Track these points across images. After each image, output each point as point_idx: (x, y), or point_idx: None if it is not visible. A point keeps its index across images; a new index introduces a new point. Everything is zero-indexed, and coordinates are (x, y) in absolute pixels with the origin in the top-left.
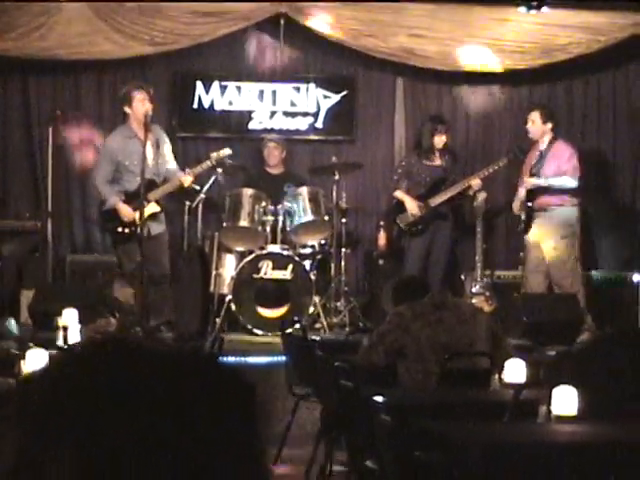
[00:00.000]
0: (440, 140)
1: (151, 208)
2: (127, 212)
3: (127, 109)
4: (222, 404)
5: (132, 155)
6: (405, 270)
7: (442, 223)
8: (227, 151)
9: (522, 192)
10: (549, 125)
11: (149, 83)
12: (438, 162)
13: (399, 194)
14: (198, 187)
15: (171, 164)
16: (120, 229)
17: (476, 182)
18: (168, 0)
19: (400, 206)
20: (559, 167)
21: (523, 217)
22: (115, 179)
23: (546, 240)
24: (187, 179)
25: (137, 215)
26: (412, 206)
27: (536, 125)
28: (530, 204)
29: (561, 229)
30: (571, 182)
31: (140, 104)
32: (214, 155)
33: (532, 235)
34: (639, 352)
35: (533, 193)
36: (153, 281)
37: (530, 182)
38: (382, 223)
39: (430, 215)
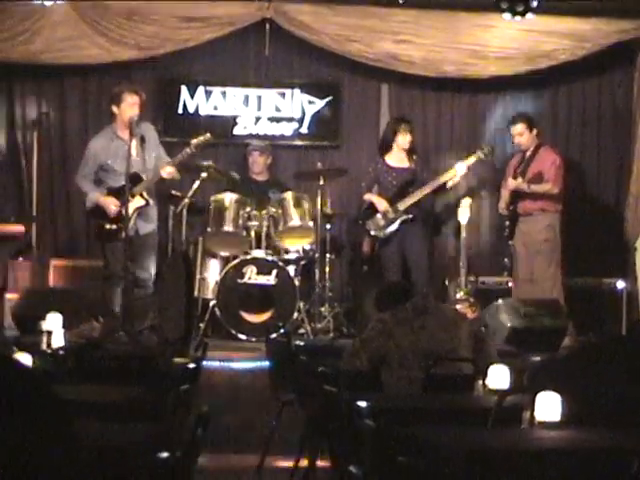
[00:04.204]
0: (405, 140)
1: (136, 202)
2: (111, 204)
3: (115, 109)
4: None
5: (116, 155)
6: (385, 278)
7: (412, 226)
8: (207, 136)
9: (505, 194)
10: (534, 132)
11: (142, 89)
12: (406, 164)
13: (367, 196)
14: (179, 194)
15: (162, 157)
16: (108, 226)
17: (455, 176)
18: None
19: (370, 211)
20: (541, 173)
21: (507, 223)
22: (101, 179)
23: (530, 245)
24: (166, 169)
25: (123, 209)
26: (381, 204)
27: (524, 136)
28: (513, 208)
29: (544, 232)
30: (552, 189)
31: (129, 107)
32: (194, 141)
33: (518, 244)
34: (622, 359)
35: (516, 197)
36: (136, 284)
37: (513, 184)
38: None
39: (400, 219)
